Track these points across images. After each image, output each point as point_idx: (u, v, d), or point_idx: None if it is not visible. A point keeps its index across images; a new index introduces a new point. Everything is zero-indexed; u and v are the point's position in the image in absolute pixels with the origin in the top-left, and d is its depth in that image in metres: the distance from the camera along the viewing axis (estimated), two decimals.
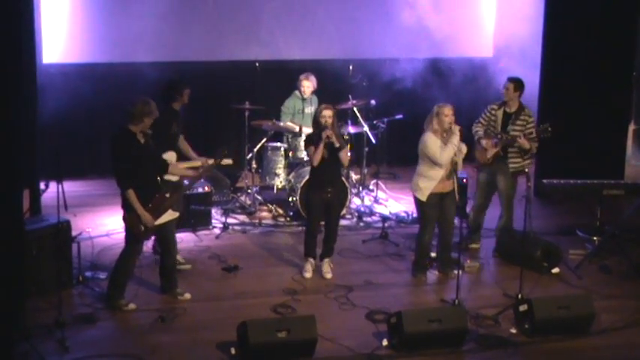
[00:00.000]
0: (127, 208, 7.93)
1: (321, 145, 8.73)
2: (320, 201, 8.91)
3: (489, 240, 9.89)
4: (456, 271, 8.60)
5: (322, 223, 9.10)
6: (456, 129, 8.67)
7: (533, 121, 9.54)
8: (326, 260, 9.07)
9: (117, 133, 8.00)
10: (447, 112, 8.69)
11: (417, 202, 8.93)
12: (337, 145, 8.76)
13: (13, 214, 7.37)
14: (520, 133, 9.33)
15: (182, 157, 9.25)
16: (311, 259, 9.04)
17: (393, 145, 12.43)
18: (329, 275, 9.00)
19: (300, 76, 11.06)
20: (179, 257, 8.99)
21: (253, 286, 8.80)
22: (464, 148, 8.79)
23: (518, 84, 9.47)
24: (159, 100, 8.51)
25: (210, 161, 8.78)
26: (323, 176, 8.90)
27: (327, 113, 8.81)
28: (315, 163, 8.82)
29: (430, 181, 8.74)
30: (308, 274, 8.99)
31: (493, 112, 9.56)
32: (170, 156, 8.89)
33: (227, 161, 9.23)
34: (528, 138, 9.30)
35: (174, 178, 8.61)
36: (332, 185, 8.93)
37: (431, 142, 8.69)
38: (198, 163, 9.08)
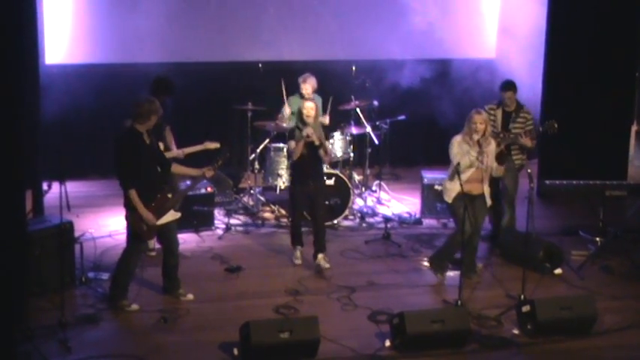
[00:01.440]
0: (130, 207, 7.95)
1: (301, 143, 8.87)
2: (302, 194, 9.11)
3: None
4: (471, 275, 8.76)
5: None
6: (475, 143, 8.55)
7: (532, 118, 9.64)
8: (320, 256, 9.17)
9: (124, 132, 8.04)
10: (476, 119, 8.61)
11: (446, 204, 8.90)
12: (317, 143, 8.87)
13: (16, 214, 7.35)
14: (521, 131, 9.44)
15: (167, 147, 9.36)
16: (299, 247, 9.28)
17: (396, 146, 12.42)
18: (327, 265, 9.12)
19: (298, 79, 11.03)
20: (150, 244, 9.13)
21: (256, 287, 8.81)
22: (496, 168, 8.75)
23: (515, 87, 9.57)
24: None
25: (187, 150, 9.34)
26: (303, 171, 9.08)
27: (309, 105, 8.97)
28: (295, 157, 9.02)
29: (457, 183, 8.53)
30: (298, 261, 9.23)
31: (492, 112, 9.60)
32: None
33: (214, 144, 9.52)
34: (530, 135, 9.40)
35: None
36: (312, 179, 9.10)
37: (456, 144, 8.68)
38: (173, 154, 9.25)
